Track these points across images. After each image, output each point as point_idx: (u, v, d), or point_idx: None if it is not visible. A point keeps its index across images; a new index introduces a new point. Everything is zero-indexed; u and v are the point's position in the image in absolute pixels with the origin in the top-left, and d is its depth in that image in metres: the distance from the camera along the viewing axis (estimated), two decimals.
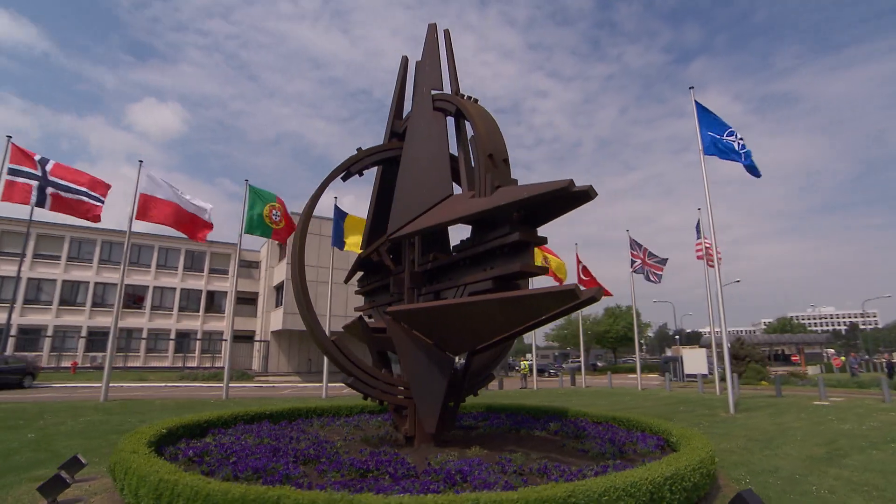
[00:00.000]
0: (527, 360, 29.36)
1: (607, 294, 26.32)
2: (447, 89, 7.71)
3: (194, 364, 36.49)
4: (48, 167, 15.58)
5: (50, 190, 15.46)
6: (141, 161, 17.04)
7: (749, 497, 3.86)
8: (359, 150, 7.77)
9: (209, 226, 17.56)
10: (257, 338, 38.16)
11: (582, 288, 4.57)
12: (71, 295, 35.58)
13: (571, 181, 4.56)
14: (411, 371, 6.62)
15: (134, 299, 37.32)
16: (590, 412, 9.31)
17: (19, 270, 28.42)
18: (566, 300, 4.56)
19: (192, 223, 17.37)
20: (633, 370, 33.96)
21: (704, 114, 14.30)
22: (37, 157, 15.60)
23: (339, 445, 6.54)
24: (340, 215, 20.47)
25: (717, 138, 13.79)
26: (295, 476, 4.78)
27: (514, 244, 5.41)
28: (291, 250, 7.09)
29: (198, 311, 39.42)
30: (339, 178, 7.75)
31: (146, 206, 16.99)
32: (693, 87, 14.42)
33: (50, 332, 34.23)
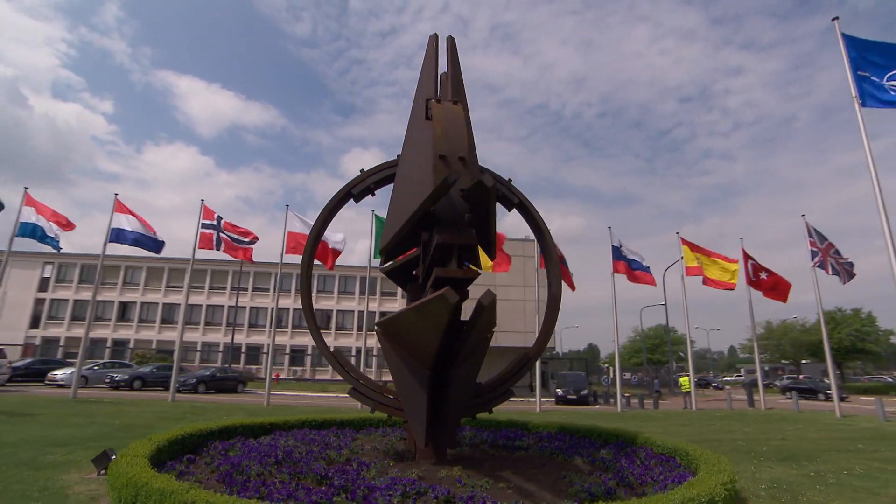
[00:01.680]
0: (686, 376, 25.32)
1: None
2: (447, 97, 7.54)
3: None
4: (221, 222, 19.78)
5: (223, 237, 19.53)
6: (287, 205, 20.30)
7: None
8: (362, 171, 8.07)
9: (338, 253, 20.00)
10: None
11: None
12: (280, 319, 43.68)
13: (445, 179, 4.09)
14: (396, 384, 6.53)
15: (323, 321, 44.02)
16: (657, 440, 7.71)
17: (236, 300, 36.13)
18: (441, 305, 4.06)
19: (325, 252, 20.02)
20: (873, 390, 26.44)
21: (862, 49, 10.79)
22: (216, 215, 19.90)
23: (336, 455, 6.72)
24: None
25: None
26: (248, 474, 5.15)
27: (438, 246, 5.02)
28: (300, 270, 7.67)
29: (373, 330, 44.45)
30: (352, 200, 8.12)
31: (294, 242, 20.22)
32: (837, 18, 11.05)
33: (265, 349, 42.52)
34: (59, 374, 26.19)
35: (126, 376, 26.11)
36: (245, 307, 42.55)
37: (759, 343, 51.81)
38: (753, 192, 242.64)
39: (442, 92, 7.46)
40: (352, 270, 44.87)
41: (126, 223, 19.32)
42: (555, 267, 8.10)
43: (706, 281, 20.65)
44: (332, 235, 20.35)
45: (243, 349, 42.37)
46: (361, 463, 6.25)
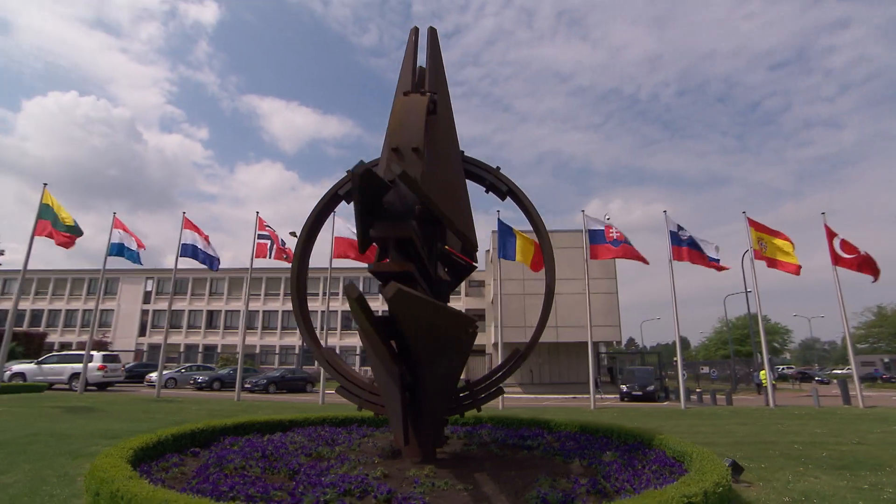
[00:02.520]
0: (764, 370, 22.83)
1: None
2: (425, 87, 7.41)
3: None
4: (273, 233, 20.98)
5: (274, 245, 20.69)
6: (333, 212, 21.06)
7: None
8: (348, 172, 8.11)
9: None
10: (488, 351, 40.87)
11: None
12: (349, 321, 45.55)
13: (359, 173, 3.97)
14: (376, 381, 6.51)
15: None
16: (672, 443, 6.99)
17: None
18: (351, 304, 3.95)
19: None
20: None
21: None
22: (265, 224, 21.12)
23: (329, 452, 6.81)
24: (506, 229, 20.83)
25: None
26: (227, 468, 5.38)
27: (373, 240, 4.92)
28: (291, 271, 7.83)
29: None
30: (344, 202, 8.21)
31: (342, 246, 20.92)
32: None
33: (337, 350, 44.59)
34: (153, 376, 29.26)
35: (207, 378, 28.59)
36: (316, 311, 44.94)
37: (869, 331, 45.84)
38: (867, 161, 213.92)
39: (429, 83, 7.33)
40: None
41: (191, 239, 21.13)
42: (549, 259, 7.64)
43: (770, 263, 18.56)
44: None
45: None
46: (345, 459, 6.31)
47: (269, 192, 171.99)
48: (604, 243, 19.55)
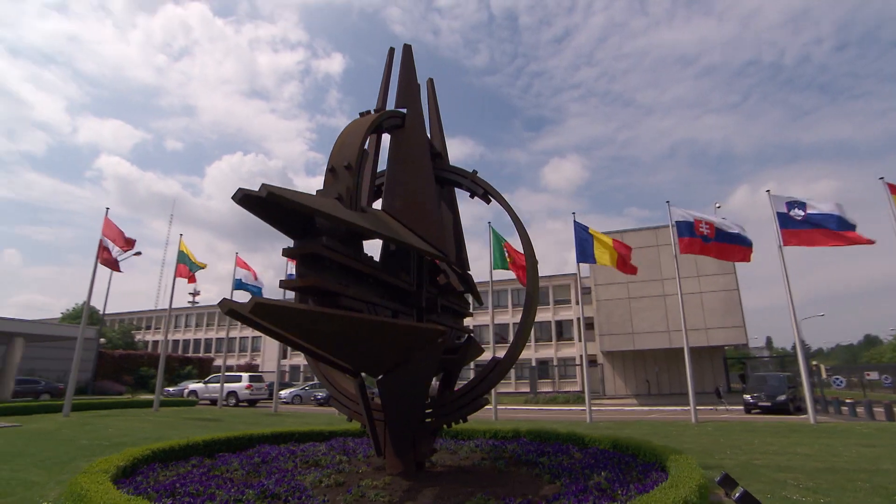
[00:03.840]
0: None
1: None
2: (389, 106, 7.64)
3: (549, 389, 40.18)
4: None
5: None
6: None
7: None
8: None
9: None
10: (599, 361, 38.48)
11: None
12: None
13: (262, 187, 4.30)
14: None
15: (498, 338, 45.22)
16: (686, 466, 6.00)
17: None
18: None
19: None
20: None
21: None
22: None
23: (328, 460, 7.16)
24: (582, 229, 19.79)
25: None
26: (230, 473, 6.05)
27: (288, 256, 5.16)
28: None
29: (550, 341, 43.53)
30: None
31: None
32: None
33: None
34: (283, 393, 33.04)
35: (325, 395, 31.34)
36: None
37: None
38: None
39: (399, 99, 7.58)
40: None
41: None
42: (531, 263, 7.20)
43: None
44: None
45: None
46: (330, 467, 6.64)
47: None
48: (692, 237, 17.38)
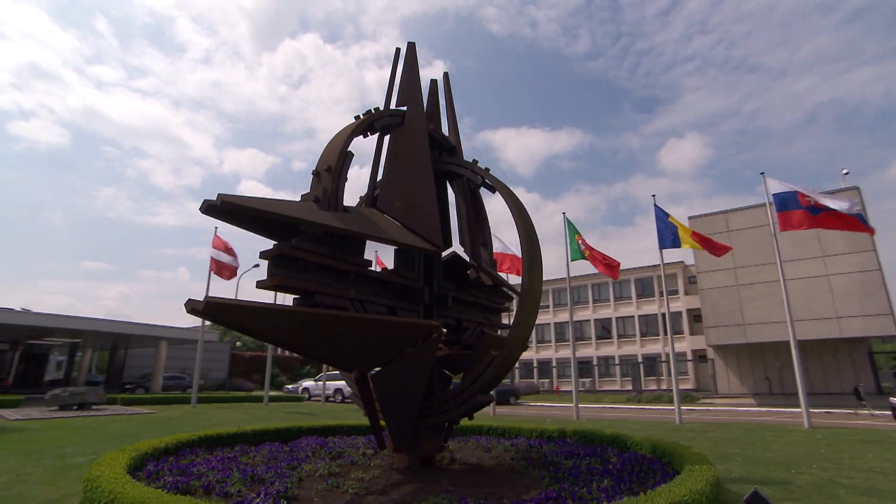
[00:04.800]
0: None
1: None
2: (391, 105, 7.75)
3: (655, 387, 37.18)
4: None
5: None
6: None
7: None
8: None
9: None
10: (710, 357, 34.69)
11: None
12: (563, 332, 45.02)
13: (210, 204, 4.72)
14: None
15: (604, 331, 43.07)
16: (703, 479, 5.21)
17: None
18: None
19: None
20: None
21: None
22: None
23: (352, 451, 7.44)
24: (662, 215, 18.20)
25: None
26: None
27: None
28: None
29: (657, 335, 40.35)
30: None
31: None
32: None
33: (553, 363, 44.36)
34: None
35: None
36: (548, 323, 46.31)
37: None
38: None
39: (399, 98, 7.71)
40: (626, 273, 42.34)
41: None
42: (527, 256, 6.78)
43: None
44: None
45: (535, 364, 45.66)
46: (347, 459, 6.91)
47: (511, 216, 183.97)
48: (798, 209, 14.93)
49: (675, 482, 4.62)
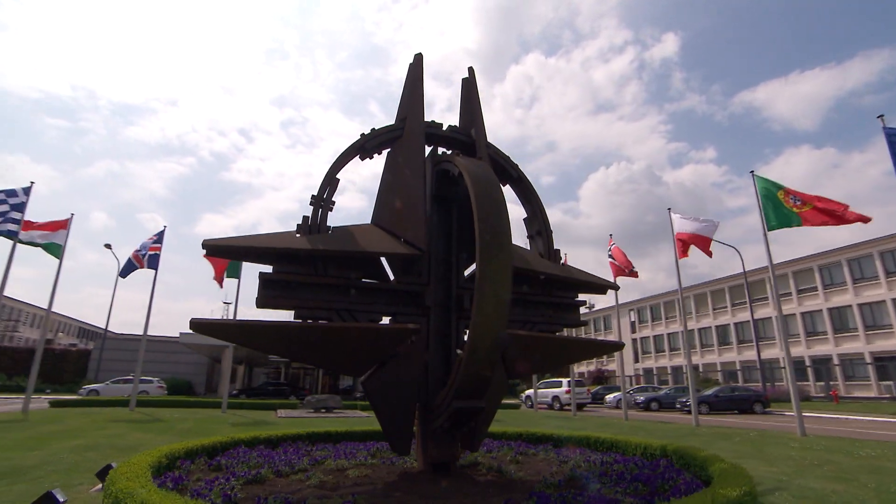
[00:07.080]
0: None
1: None
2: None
3: None
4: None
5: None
6: (669, 208, 19.44)
7: None
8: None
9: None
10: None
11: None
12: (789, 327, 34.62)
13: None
14: None
15: None
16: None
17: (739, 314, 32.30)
18: None
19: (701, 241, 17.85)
20: None
21: None
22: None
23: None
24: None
25: None
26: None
27: None
28: None
29: None
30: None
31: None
32: None
33: (782, 363, 34.56)
34: (609, 397, 32.78)
35: (643, 398, 29.32)
36: (770, 318, 36.93)
37: None
38: None
39: (402, 108, 8.21)
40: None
41: None
42: (485, 237, 6.21)
43: None
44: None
45: (806, 363, 36.10)
46: (365, 459, 7.54)
47: (806, 181, 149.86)
48: None
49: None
